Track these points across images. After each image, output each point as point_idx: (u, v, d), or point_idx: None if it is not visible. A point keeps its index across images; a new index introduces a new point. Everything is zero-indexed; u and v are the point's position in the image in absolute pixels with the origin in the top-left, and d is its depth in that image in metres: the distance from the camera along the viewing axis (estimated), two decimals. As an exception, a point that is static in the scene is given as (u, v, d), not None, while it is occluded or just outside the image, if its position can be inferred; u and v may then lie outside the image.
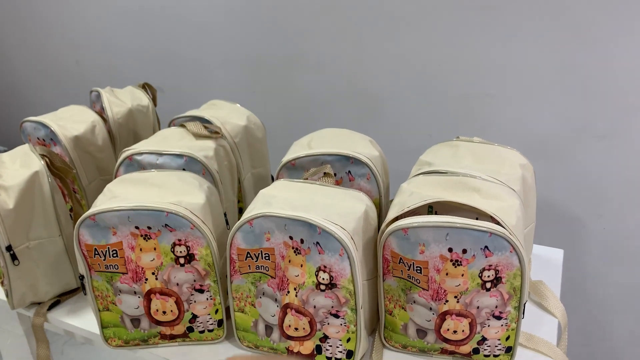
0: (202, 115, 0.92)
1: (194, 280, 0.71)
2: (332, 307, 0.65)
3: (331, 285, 0.64)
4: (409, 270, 0.65)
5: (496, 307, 0.64)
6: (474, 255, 0.61)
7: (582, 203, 1.13)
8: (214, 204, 0.74)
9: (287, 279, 0.67)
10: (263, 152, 1.01)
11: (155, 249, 0.69)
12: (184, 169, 0.80)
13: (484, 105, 1.14)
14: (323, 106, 1.33)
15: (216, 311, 0.74)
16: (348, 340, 0.68)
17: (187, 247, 0.69)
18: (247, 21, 1.33)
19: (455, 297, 0.64)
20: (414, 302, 0.67)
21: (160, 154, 0.80)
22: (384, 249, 0.65)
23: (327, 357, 0.69)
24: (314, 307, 0.66)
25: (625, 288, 1.17)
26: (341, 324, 0.67)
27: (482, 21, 1.08)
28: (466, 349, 0.68)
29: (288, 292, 0.67)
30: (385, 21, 1.17)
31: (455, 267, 0.62)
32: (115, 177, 0.80)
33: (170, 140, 0.84)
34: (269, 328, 0.72)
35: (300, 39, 1.28)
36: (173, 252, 0.69)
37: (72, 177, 0.85)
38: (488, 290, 0.63)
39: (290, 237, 0.65)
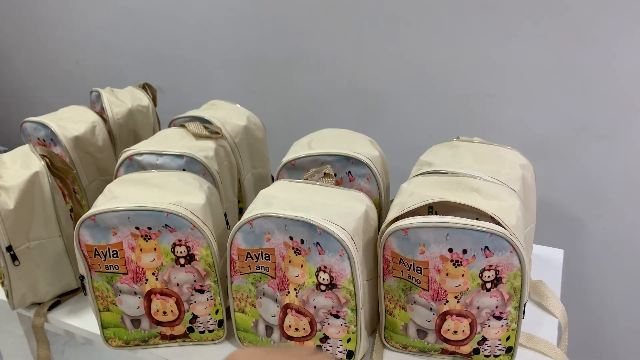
0: (202, 116, 0.92)
1: (194, 281, 0.71)
2: (333, 307, 0.65)
3: (331, 285, 0.64)
4: (409, 270, 0.65)
5: (496, 307, 0.64)
6: (474, 255, 0.61)
7: (582, 203, 1.13)
8: (214, 204, 0.74)
9: (288, 280, 0.67)
10: (263, 153, 1.00)
11: (155, 249, 0.69)
12: (184, 170, 0.80)
13: (484, 105, 1.14)
14: (323, 106, 1.33)
15: (216, 311, 0.74)
16: (348, 340, 0.68)
17: (187, 247, 0.69)
18: (247, 21, 1.33)
19: (456, 297, 0.64)
20: (415, 302, 0.67)
21: (161, 155, 0.80)
22: (384, 249, 0.65)
23: (327, 358, 0.69)
24: (314, 307, 0.66)
25: (625, 288, 1.17)
26: (341, 325, 0.67)
27: (482, 21, 1.08)
28: (466, 349, 0.68)
29: (288, 292, 0.67)
30: (386, 21, 1.17)
31: (456, 267, 0.62)
32: (116, 178, 0.80)
33: (171, 140, 0.84)
34: (269, 328, 0.72)
35: (300, 39, 1.28)
36: (173, 252, 0.69)
37: (72, 178, 0.85)
38: (488, 290, 0.63)
39: (291, 238, 0.65)
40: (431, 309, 0.66)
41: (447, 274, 0.63)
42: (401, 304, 0.69)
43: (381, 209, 0.81)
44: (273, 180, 1.01)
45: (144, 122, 1.04)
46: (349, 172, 0.80)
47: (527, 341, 0.74)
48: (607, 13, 0.98)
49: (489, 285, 0.63)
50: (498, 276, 0.62)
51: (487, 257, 0.61)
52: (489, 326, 0.66)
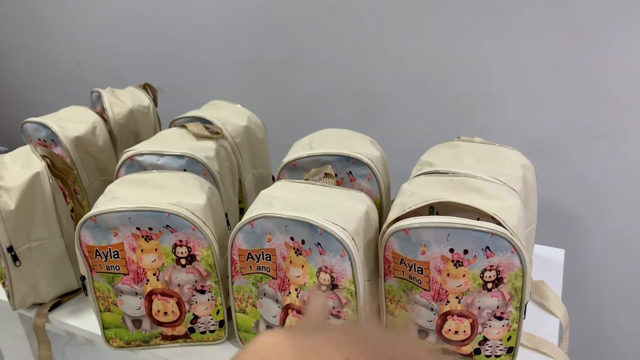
0: (203, 116, 0.92)
1: (195, 281, 0.71)
2: (333, 308, 0.65)
3: (332, 286, 0.64)
4: (410, 270, 0.65)
5: (497, 307, 0.64)
6: (475, 255, 0.61)
7: (583, 203, 1.13)
8: (215, 204, 0.74)
9: (289, 280, 0.67)
10: (264, 153, 1.00)
11: (156, 249, 0.69)
12: (185, 170, 0.80)
13: (484, 105, 1.14)
14: (323, 106, 1.33)
15: (217, 312, 0.74)
16: (349, 340, 0.68)
17: (188, 247, 0.69)
18: (248, 21, 1.33)
19: (457, 297, 0.64)
20: (415, 302, 0.67)
21: (161, 155, 0.80)
22: (385, 250, 0.66)
23: (328, 358, 0.69)
24: (315, 307, 0.66)
25: (626, 287, 1.17)
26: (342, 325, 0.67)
27: (482, 21, 1.08)
28: (467, 349, 0.68)
29: (289, 292, 0.67)
30: (386, 21, 1.17)
31: (457, 267, 0.62)
32: (116, 178, 0.80)
33: (171, 141, 0.84)
34: (270, 329, 0.72)
35: (300, 39, 1.28)
36: (174, 253, 0.69)
37: (73, 178, 0.85)
38: (489, 290, 0.63)
39: (292, 238, 0.65)
40: (432, 309, 0.66)
41: (448, 275, 0.63)
42: (402, 305, 0.69)
43: (382, 209, 0.81)
44: (274, 180, 1.01)
45: (144, 122, 1.04)
46: (350, 172, 0.80)
47: (528, 341, 0.74)
48: (607, 13, 0.98)
49: (490, 285, 0.63)
50: (499, 276, 0.62)
51: (488, 258, 0.61)
52: (490, 326, 0.66)
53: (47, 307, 0.84)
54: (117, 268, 0.70)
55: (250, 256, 0.67)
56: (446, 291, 0.64)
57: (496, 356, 0.68)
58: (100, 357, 1.60)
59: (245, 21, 1.33)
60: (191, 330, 0.75)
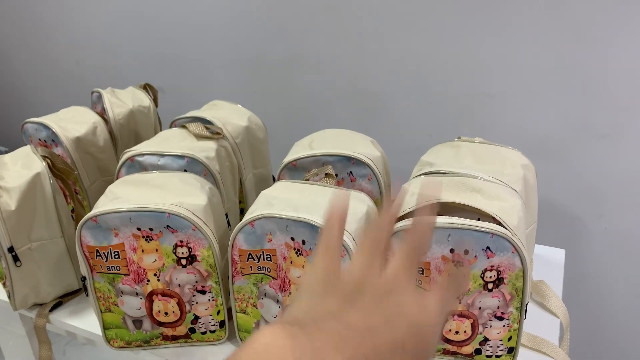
0: (204, 116, 0.92)
1: (196, 282, 0.71)
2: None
3: (333, 286, 0.64)
4: (410, 271, 0.65)
5: (498, 307, 0.64)
6: (475, 256, 0.61)
7: (583, 203, 1.13)
8: (215, 205, 0.74)
9: (289, 280, 0.67)
10: (264, 153, 1.01)
11: (157, 250, 0.69)
12: (185, 170, 0.80)
13: (484, 105, 1.14)
14: (323, 106, 1.33)
15: (218, 312, 0.74)
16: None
17: (188, 248, 0.69)
18: (248, 21, 1.33)
19: (457, 297, 0.64)
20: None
21: (162, 155, 0.80)
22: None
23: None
24: (316, 308, 0.66)
25: (627, 287, 1.17)
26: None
27: (482, 21, 1.08)
28: (468, 349, 0.68)
29: (290, 293, 0.67)
30: (386, 21, 1.17)
31: (457, 268, 0.62)
32: (117, 179, 0.80)
33: (172, 141, 0.84)
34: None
35: (300, 39, 1.28)
36: (175, 253, 0.69)
37: (73, 178, 0.85)
38: (490, 290, 0.63)
39: (292, 238, 0.65)
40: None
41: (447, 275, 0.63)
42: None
43: (382, 209, 0.81)
44: (274, 180, 1.01)
45: (145, 122, 1.04)
46: (350, 172, 0.80)
47: (529, 341, 0.74)
48: (607, 13, 0.98)
49: (490, 285, 0.63)
50: (500, 277, 0.62)
51: (488, 258, 0.61)
52: (490, 326, 0.66)
53: (48, 308, 0.84)
54: (118, 268, 0.70)
55: (250, 256, 0.67)
56: (447, 291, 0.64)
57: (497, 356, 0.68)
58: (100, 358, 1.61)
59: (245, 21, 1.33)
60: (192, 330, 0.75)
